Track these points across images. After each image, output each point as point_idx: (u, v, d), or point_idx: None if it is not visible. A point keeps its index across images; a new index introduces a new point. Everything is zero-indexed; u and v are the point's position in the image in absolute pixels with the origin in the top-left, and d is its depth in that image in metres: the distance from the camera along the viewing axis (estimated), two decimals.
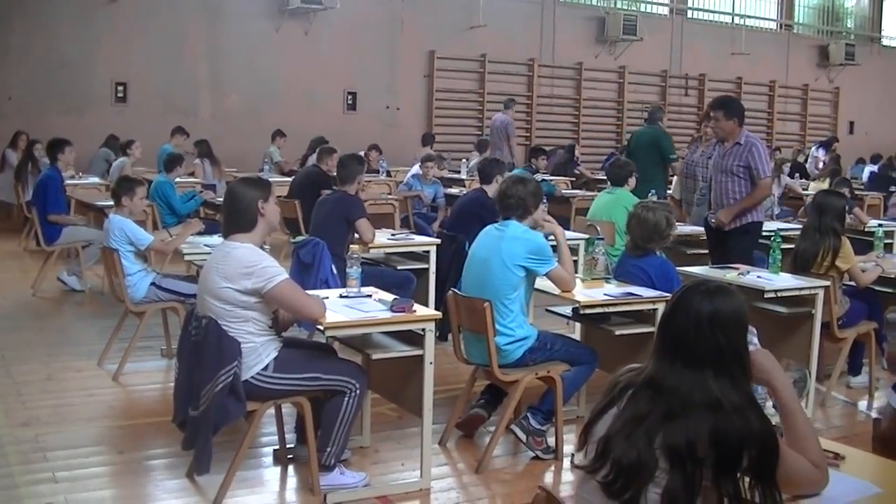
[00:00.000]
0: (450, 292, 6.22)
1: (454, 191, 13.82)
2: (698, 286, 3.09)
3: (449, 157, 18.05)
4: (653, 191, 9.85)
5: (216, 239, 7.25)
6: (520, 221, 6.12)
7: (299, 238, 8.14)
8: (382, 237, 8.84)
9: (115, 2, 17.44)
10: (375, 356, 5.42)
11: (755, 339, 3.25)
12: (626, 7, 23.51)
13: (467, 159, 17.35)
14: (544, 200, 6.79)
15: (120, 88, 17.85)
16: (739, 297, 3.11)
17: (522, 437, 6.03)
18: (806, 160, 21.74)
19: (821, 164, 20.40)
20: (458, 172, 16.69)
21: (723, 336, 2.95)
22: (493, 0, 20.84)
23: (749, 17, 25.65)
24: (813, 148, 23.23)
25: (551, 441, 6.08)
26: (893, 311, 5.02)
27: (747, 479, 2.88)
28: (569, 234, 8.17)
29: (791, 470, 3.00)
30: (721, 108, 8.60)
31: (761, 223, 8.80)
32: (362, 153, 14.62)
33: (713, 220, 8.60)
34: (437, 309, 7.02)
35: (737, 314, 3.02)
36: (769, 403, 3.37)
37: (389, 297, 5.78)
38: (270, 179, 8.91)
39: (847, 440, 6.44)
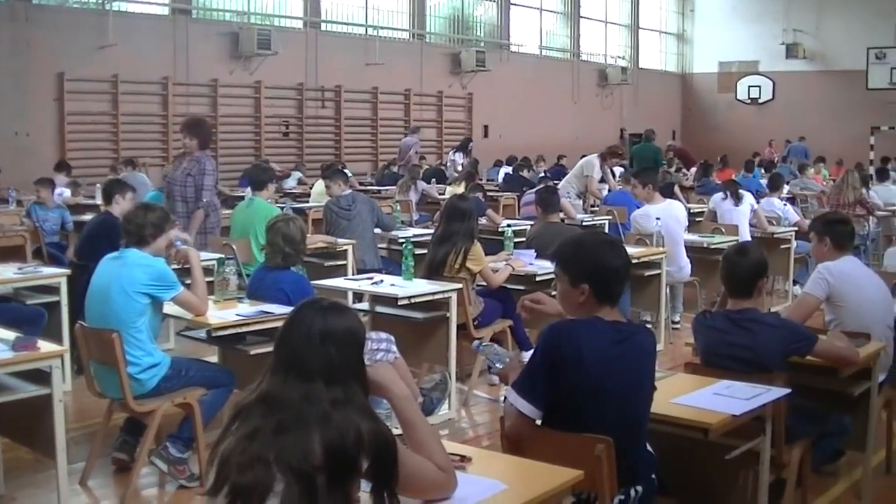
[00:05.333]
0: (77, 324, 5.99)
1: (89, 216, 13.28)
2: (314, 303, 3.15)
3: (84, 182, 17.45)
4: (288, 202, 9.75)
5: None
6: (140, 249, 5.97)
7: None
8: (8, 271, 8.29)
9: None
10: None
11: (393, 347, 3.30)
12: (259, 22, 23.42)
13: (101, 184, 16.71)
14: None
15: None
16: (354, 314, 3.20)
17: (164, 467, 5.89)
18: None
19: (459, 167, 21.04)
20: (93, 198, 16.07)
21: (335, 351, 3.00)
22: (123, 18, 20.25)
23: (382, 27, 26.16)
24: (450, 153, 23.98)
25: (196, 468, 5.96)
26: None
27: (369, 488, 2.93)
28: (205, 254, 8.01)
29: (414, 472, 3.08)
30: None
31: None
32: None
33: None
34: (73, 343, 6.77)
35: (349, 331, 3.08)
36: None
37: (12, 335, 5.49)
38: None
39: (491, 436, 6.72)
